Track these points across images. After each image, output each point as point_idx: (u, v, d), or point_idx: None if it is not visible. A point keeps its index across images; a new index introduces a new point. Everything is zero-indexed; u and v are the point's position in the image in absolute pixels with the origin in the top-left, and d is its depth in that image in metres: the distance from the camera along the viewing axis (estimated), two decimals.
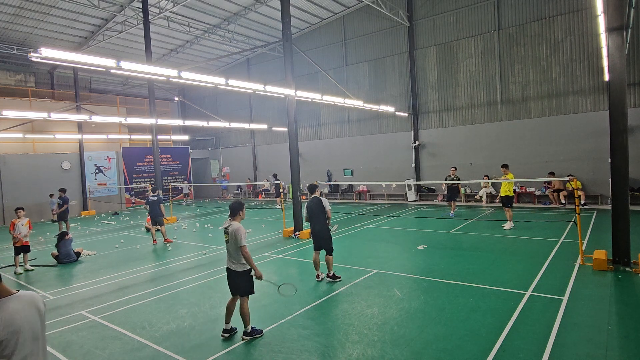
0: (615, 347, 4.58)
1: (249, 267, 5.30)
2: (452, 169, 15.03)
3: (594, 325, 5.15)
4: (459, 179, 14.36)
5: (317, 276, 7.76)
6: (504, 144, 17.64)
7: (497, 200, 15.31)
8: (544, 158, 16.61)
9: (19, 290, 2.75)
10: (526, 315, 5.56)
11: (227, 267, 5.42)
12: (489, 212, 15.12)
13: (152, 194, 13.39)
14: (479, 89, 18.23)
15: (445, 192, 14.95)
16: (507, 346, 4.71)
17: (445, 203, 14.53)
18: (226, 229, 5.34)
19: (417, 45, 19.80)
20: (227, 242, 5.35)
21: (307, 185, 8.10)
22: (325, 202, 7.74)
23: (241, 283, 5.32)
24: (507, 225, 11.79)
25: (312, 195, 7.88)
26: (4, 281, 2.63)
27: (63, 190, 15.81)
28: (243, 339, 5.28)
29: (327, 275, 7.69)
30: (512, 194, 12.12)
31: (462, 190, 18.76)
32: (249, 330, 5.32)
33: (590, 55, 15.57)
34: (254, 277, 5.37)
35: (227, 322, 5.48)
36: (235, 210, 5.39)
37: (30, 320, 2.59)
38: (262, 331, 5.42)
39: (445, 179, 14.94)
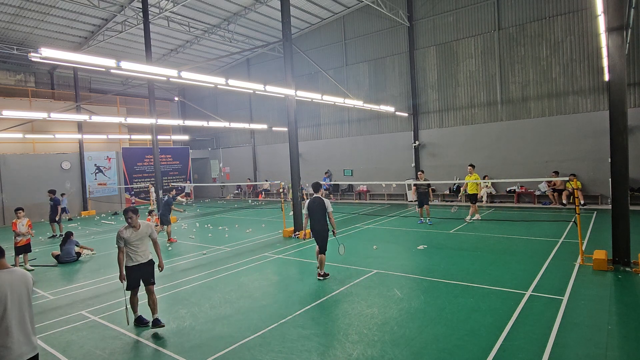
0: (615, 347, 4.58)
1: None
2: (420, 172, 14.22)
3: (594, 325, 5.16)
4: (429, 184, 13.72)
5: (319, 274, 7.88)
6: (504, 144, 17.63)
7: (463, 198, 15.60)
8: (544, 158, 16.61)
9: (13, 266, 3.30)
10: (526, 315, 5.56)
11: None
12: (454, 210, 15.12)
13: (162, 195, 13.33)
14: (479, 89, 18.22)
15: (415, 199, 13.87)
16: (507, 346, 4.71)
17: (420, 209, 13.77)
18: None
19: (417, 45, 19.80)
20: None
21: (312, 183, 8.10)
22: (327, 202, 7.75)
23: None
24: (469, 218, 12.90)
25: (315, 195, 7.83)
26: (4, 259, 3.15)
27: (52, 192, 15.46)
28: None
29: (318, 275, 7.83)
30: (478, 192, 13.39)
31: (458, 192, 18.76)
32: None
33: (590, 55, 15.57)
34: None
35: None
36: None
37: (18, 292, 3.05)
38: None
39: (415, 185, 14.07)
